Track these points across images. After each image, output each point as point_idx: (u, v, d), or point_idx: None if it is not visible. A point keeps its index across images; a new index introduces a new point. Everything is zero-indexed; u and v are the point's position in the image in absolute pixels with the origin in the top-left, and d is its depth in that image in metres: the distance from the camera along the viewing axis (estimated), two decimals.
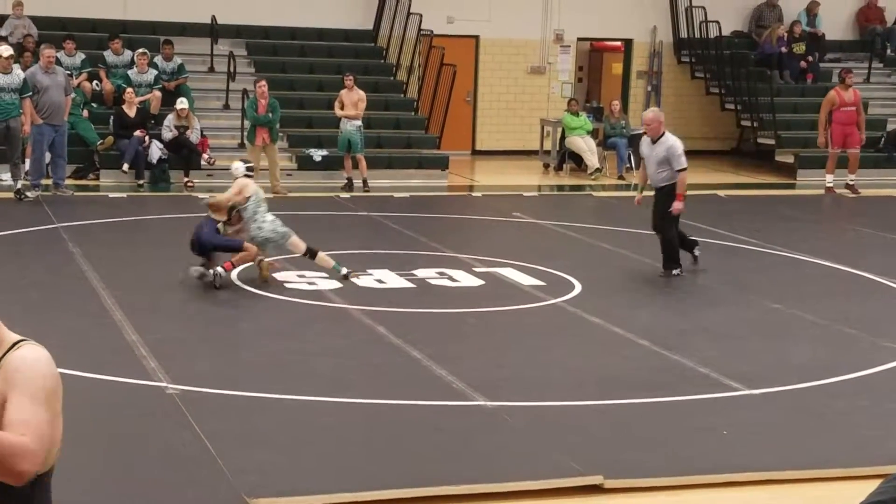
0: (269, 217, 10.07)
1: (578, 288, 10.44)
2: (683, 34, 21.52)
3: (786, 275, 11.55)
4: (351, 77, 16.26)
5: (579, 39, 21.82)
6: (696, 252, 11.35)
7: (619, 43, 22.46)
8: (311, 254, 10.20)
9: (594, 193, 17.28)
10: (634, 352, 8.52)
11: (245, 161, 10.56)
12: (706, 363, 8.12)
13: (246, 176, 10.10)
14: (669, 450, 6.54)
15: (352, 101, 16.19)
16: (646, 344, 8.67)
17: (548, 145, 19.91)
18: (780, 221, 14.85)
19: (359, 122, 16.22)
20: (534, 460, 6.29)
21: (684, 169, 10.68)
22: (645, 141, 10.92)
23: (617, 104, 19.54)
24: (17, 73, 13.85)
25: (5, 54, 13.82)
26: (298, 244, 10.16)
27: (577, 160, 19.09)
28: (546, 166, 19.55)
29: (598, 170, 18.52)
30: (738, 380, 7.74)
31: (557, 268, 11.19)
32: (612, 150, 18.99)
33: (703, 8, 20.81)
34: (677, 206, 10.66)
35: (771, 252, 12.50)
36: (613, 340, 8.84)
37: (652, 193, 11.03)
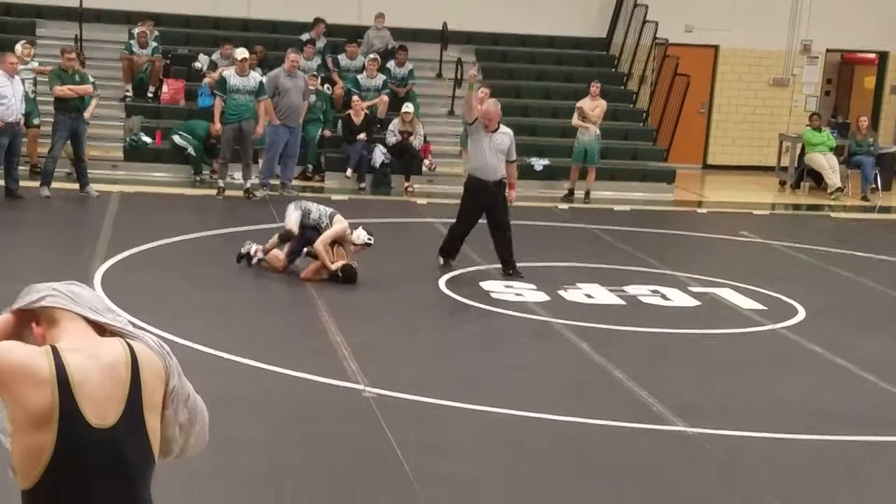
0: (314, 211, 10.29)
1: (802, 314, 9.81)
2: None
3: None
4: (598, 85, 16.14)
5: (828, 51, 20.74)
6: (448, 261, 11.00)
7: (873, 55, 21.20)
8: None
9: (833, 214, 16.33)
10: (858, 385, 7.89)
11: (369, 233, 10.30)
12: None
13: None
14: (887, 496, 5.94)
15: (590, 108, 15.93)
16: (871, 378, 8.01)
17: (786, 161, 18.98)
18: None
19: (597, 132, 15.91)
20: (729, 493, 5.95)
21: (515, 160, 10.92)
22: (484, 133, 10.62)
23: (865, 120, 18.44)
24: (254, 76, 14.19)
25: (240, 57, 14.20)
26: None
27: (817, 178, 18.12)
28: (782, 183, 18.63)
29: (839, 189, 17.50)
30: None
31: (781, 291, 10.55)
32: (856, 169, 17.93)
33: None
34: (513, 194, 10.85)
35: None
36: (835, 372, 8.21)
37: None
